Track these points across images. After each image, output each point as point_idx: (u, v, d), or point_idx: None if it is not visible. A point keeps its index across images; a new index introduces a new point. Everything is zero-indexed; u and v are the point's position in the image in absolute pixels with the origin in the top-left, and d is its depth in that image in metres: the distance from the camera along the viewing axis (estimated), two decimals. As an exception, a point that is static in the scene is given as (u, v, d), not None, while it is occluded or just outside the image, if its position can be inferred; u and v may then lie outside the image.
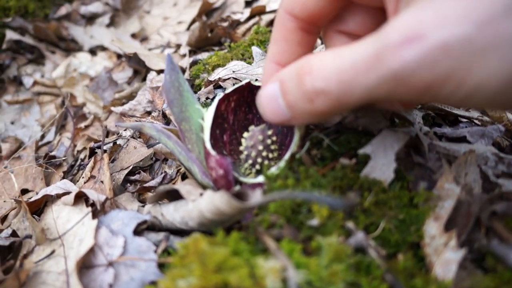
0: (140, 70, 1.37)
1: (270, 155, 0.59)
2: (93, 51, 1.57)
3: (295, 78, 0.44)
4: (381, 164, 0.51)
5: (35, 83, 1.39)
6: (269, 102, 0.49)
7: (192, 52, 1.32)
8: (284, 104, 0.47)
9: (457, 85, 0.36)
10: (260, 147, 0.58)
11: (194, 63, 1.17)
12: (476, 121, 0.77)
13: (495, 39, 0.33)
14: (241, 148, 0.61)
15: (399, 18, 0.37)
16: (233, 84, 0.62)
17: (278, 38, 0.54)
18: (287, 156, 0.55)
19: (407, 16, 0.37)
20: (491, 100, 0.37)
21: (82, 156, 1.05)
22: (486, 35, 0.33)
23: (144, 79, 1.30)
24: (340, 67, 0.40)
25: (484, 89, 0.35)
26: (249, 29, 1.31)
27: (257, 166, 0.59)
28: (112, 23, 1.70)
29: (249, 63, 0.98)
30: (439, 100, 0.40)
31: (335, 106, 0.42)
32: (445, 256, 0.46)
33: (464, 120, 0.79)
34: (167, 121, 0.92)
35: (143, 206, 0.68)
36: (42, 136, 1.26)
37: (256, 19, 1.34)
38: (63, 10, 1.66)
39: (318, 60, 0.42)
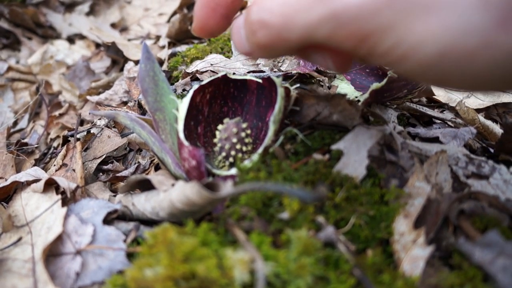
0: (118, 60, 1.36)
1: (244, 148, 0.59)
2: (71, 39, 1.55)
3: (248, 10, 0.44)
4: (354, 160, 0.51)
5: (10, 68, 1.36)
6: (235, 32, 0.48)
7: (172, 44, 1.31)
8: (244, 35, 0.46)
9: (396, 41, 0.35)
10: (234, 140, 0.58)
11: (172, 55, 1.17)
12: (449, 123, 0.79)
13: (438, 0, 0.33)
14: (215, 140, 0.60)
15: None
16: (210, 77, 0.61)
17: None
18: (260, 149, 0.55)
19: None
20: (425, 67, 0.36)
21: (55, 144, 1.04)
22: None
23: (122, 69, 1.29)
24: (286, 1, 0.39)
25: (421, 50, 0.35)
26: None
27: (231, 159, 0.59)
28: (92, 12, 1.68)
29: (228, 57, 0.98)
30: (375, 57, 0.38)
31: (275, 40, 0.42)
32: (413, 253, 0.46)
33: (438, 121, 0.81)
34: (142, 111, 0.91)
35: (115, 196, 0.68)
36: (15, 123, 1.23)
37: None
38: (41, -4, 1.64)
39: None
